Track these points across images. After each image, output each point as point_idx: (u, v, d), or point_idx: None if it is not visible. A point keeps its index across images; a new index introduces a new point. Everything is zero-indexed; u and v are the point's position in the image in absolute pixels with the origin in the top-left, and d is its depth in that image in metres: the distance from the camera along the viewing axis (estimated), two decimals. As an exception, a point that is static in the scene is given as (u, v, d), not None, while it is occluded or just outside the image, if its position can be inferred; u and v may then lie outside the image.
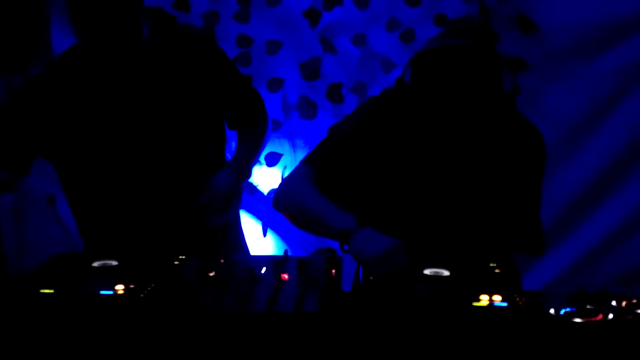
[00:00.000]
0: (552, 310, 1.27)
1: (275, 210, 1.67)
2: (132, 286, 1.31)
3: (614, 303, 1.30)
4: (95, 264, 1.46)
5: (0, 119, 1.82)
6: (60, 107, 1.77)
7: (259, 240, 2.71)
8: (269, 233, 2.74)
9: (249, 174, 1.94)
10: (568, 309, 1.27)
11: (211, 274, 1.42)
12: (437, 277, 1.41)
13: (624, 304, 1.31)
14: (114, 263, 1.47)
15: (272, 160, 2.69)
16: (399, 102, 1.61)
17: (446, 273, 1.42)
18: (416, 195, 1.64)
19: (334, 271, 1.43)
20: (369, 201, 1.65)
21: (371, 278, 1.39)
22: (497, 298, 1.28)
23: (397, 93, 1.60)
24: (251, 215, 2.72)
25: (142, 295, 1.29)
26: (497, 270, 1.45)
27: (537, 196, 1.68)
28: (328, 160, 1.63)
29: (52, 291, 1.29)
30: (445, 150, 1.61)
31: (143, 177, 1.78)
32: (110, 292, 1.29)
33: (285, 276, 1.41)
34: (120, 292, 1.30)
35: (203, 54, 1.83)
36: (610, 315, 1.25)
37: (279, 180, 1.96)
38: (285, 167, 2.68)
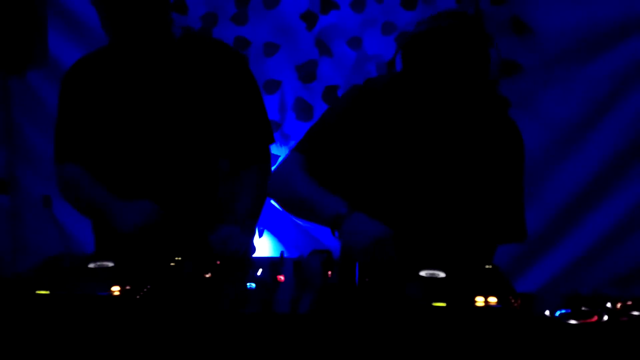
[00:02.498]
0: (547, 312, 1.27)
1: (270, 198, 1.68)
2: (128, 287, 1.31)
3: (608, 305, 1.31)
4: (91, 265, 1.46)
5: (59, 113, 1.87)
6: (87, 101, 1.81)
7: (255, 242, 2.71)
8: (265, 234, 2.74)
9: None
10: (563, 311, 1.27)
11: (207, 276, 1.42)
12: (433, 279, 1.41)
13: (618, 305, 1.31)
14: (110, 264, 1.47)
15: (268, 162, 2.70)
16: (387, 88, 1.63)
17: (442, 275, 1.43)
18: (402, 182, 1.64)
19: (330, 273, 1.43)
20: (356, 188, 1.65)
21: (367, 280, 1.39)
22: (492, 300, 1.29)
23: (388, 77, 1.61)
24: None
25: (138, 297, 1.29)
26: (492, 273, 1.45)
27: (519, 183, 1.68)
28: (317, 147, 1.64)
29: (47, 292, 1.29)
30: (431, 137, 1.62)
31: (155, 178, 1.80)
32: (106, 294, 1.29)
33: (282, 277, 1.42)
34: (116, 293, 1.29)
35: (232, 69, 1.83)
36: (605, 317, 1.26)
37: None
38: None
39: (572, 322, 1.24)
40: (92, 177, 1.81)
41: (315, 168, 1.62)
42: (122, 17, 1.69)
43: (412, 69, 1.52)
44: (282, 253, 1.55)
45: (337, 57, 2.70)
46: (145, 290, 1.31)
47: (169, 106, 1.80)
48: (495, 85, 1.58)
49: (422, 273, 1.43)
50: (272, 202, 1.88)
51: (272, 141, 1.93)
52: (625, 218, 2.63)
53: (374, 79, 1.75)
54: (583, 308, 1.28)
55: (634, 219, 2.63)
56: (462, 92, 1.52)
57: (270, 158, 1.95)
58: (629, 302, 1.31)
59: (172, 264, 1.47)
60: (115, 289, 1.30)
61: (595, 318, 1.25)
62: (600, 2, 2.49)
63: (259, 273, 1.44)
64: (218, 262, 1.51)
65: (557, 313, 1.27)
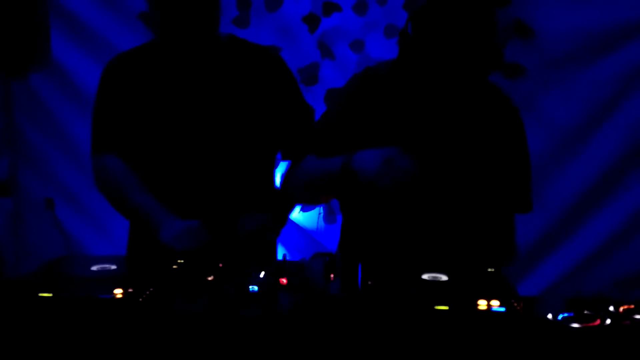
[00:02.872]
0: (549, 316, 1.27)
1: (291, 202, 1.75)
2: (130, 290, 1.31)
3: (611, 308, 1.31)
4: (94, 268, 1.46)
5: (99, 104, 1.83)
6: (128, 94, 1.79)
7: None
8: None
9: (285, 221, 1.87)
10: (565, 314, 1.27)
11: (209, 278, 1.42)
12: (435, 282, 1.41)
13: (621, 309, 1.31)
14: (113, 267, 1.47)
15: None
16: (389, 73, 1.65)
17: (444, 278, 1.43)
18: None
19: (332, 275, 1.43)
20: None
21: (369, 283, 1.39)
22: (495, 303, 1.28)
23: (389, 63, 1.64)
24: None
25: (140, 300, 1.29)
26: (494, 275, 1.45)
27: (524, 155, 1.71)
28: (324, 145, 1.66)
29: (50, 295, 1.29)
30: (434, 118, 1.64)
31: (195, 176, 1.78)
32: (109, 296, 1.29)
33: (284, 280, 1.42)
34: (119, 296, 1.30)
35: (274, 70, 1.82)
36: (608, 321, 1.26)
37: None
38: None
39: (575, 325, 1.24)
40: (136, 175, 1.75)
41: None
42: (179, 13, 1.66)
43: (425, 34, 1.52)
44: (284, 256, 1.55)
45: (339, 60, 2.70)
46: (147, 293, 1.31)
47: (212, 105, 1.78)
48: (502, 51, 1.58)
49: (425, 276, 1.43)
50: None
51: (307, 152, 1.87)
52: (627, 221, 2.63)
53: (374, 66, 1.75)
54: (585, 311, 1.28)
55: (636, 221, 2.63)
56: (475, 56, 1.52)
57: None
58: (632, 306, 1.31)
59: (174, 266, 1.47)
60: (118, 292, 1.30)
61: (598, 321, 1.25)
62: (602, 6, 2.50)
63: (261, 276, 1.45)
64: (220, 265, 1.51)
65: (560, 316, 1.27)
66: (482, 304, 1.27)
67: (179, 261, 1.50)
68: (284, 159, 1.87)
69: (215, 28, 1.78)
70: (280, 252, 2.67)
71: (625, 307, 1.31)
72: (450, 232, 1.68)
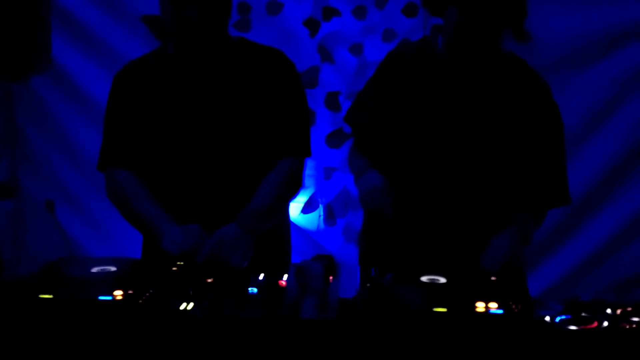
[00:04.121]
0: (547, 318, 1.28)
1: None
2: (130, 292, 1.32)
3: (609, 311, 1.31)
4: (94, 270, 1.47)
5: (110, 114, 1.82)
6: (139, 104, 1.78)
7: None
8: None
9: (258, 230, 1.72)
10: (563, 317, 1.28)
11: (209, 280, 1.43)
12: (433, 285, 1.42)
13: (618, 311, 1.31)
14: (113, 269, 1.47)
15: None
16: (418, 53, 1.76)
17: (443, 280, 1.43)
18: (439, 148, 1.72)
19: (331, 278, 1.44)
20: (398, 155, 1.77)
21: (368, 285, 1.40)
22: (493, 305, 1.29)
23: (420, 43, 1.78)
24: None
25: (140, 301, 1.29)
26: (492, 278, 1.45)
27: (559, 147, 1.75)
28: (361, 125, 1.84)
29: (51, 296, 1.30)
30: (465, 101, 1.70)
31: (206, 183, 1.77)
32: (109, 298, 1.30)
33: (283, 282, 1.42)
34: (119, 297, 1.30)
35: (282, 75, 1.81)
36: (605, 323, 1.26)
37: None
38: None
39: (572, 328, 1.25)
40: (144, 188, 1.76)
41: (365, 144, 1.85)
42: (195, 13, 1.65)
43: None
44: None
45: (338, 64, 2.71)
46: (147, 294, 1.32)
47: (223, 111, 1.77)
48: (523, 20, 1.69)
49: (423, 278, 1.44)
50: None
51: (309, 154, 1.84)
52: (625, 224, 2.64)
53: (406, 44, 1.85)
54: (583, 314, 1.28)
55: (634, 224, 2.63)
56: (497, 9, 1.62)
57: (302, 163, 1.85)
58: (629, 308, 1.32)
59: (174, 268, 1.48)
60: (118, 294, 1.31)
61: (595, 324, 1.26)
62: (598, 10, 2.50)
63: (260, 278, 1.45)
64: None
65: (557, 319, 1.27)
66: (480, 307, 1.28)
67: (178, 263, 1.50)
68: (281, 156, 1.81)
69: (226, 28, 1.78)
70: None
71: (623, 309, 1.32)
72: (473, 229, 1.70)
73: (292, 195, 1.86)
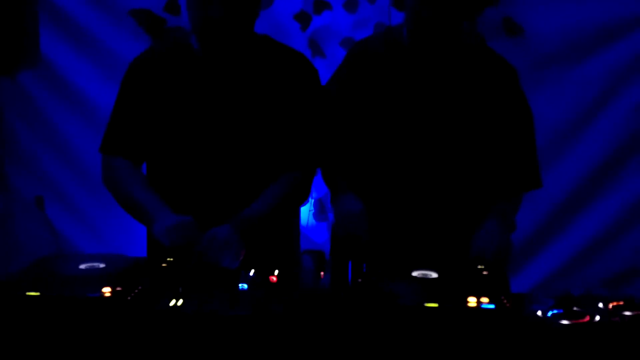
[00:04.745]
0: (539, 313, 1.28)
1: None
2: (119, 289, 1.30)
3: (600, 305, 1.31)
4: (82, 267, 1.45)
5: (119, 102, 1.79)
6: (150, 96, 1.75)
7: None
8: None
9: (252, 235, 1.67)
10: (555, 311, 1.28)
11: (199, 277, 1.42)
12: (425, 279, 1.41)
13: (610, 306, 1.31)
14: (102, 265, 1.46)
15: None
16: (381, 46, 1.76)
17: (434, 275, 1.43)
18: (409, 140, 1.73)
19: (322, 273, 1.43)
20: (366, 152, 1.76)
21: (359, 280, 1.39)
22: (484, 300, 1.29)
23: (380, 35, 1.79)
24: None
25: (129, 298, 1.28)
26: (484, 273, 1.45)
27: (529, 132, 1.76)
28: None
29: (38, 294, 1.28)
30: (433, 92, 1.71)
31: (212, 181, 1.75)
32: (97, 295, 1.28)
33: (274, 278, 1.41)
34: (107, 294, 1.29)
35: (304, 80, 1.78)
36: (597, 317, 1.26)
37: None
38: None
39: (564, 322, 1.25)
40: (141, 175, 1.75)
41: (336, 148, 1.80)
42: (220, 16, 1.64)
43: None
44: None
45: (329, 58, 2.69)
46: (136, 291, 1.31)
47: (238, 112, 1.74)
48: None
49: (415, 273, 1.43)
50: None
51: (317, 164, 1.83)
52: (616, 218, 2.64)
53: (365, 40, 1.84)
54: (575, 308, 1.28)
55: (625, 219, 2.64)
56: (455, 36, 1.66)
57: (311, 173, 1.82)
58: (621, 302, 1.32)
59: (163, 264, 1.47)
60: (106, 290, 1.29)
61: (587, 318, 1.26)
62: (590, 4, 2.50)
63: (251, 273, 1.44)
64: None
65: (549, 313, 1.27)
66: (471, 301, 1.28)
67: (168, 259, 1.49)
68: (290, 169, 1.77)
69: (252, 27, 1.75)
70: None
71: (615, 303, 1.32)
72: (451, 221, 1.71)
73: (295, 206, 1.84)
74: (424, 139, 1.73)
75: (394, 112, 1.74)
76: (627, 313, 1.28)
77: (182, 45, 1.79)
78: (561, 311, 1.27)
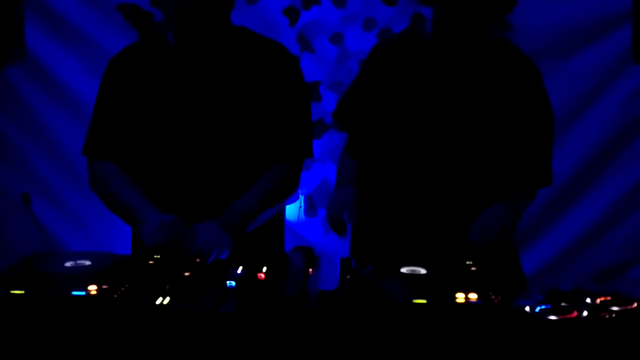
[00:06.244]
0: (527, 308, 1.28)
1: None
2: (105, 287, 1.29)
3: (588, 300, 1.31)
4: (68, 264, 1.44)
5: (100, 102, 1.78)
6: (130, 94, 1.74)
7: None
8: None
9: (239, 229, 1.67)
10: (543, 307, 1.28)
11: (187, 274, 1.41)
12: (413, 276, 1.41)
13: (598, 301, 1.32)
14: (87, 263, 1.45)
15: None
16: (402, 43, 1.79)
17: (423, 271, 1.43)
18: (426, 132, 1.74)
19: (311, 270, 1.43)
20: (391, 146, 1.78)
21: (348, 277, 1.39)
22: (472, 296, 1.29)
23: (403, 34, 1.84)
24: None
25: (115, 296, 1.27)
26: (473, 268, 1.45)
27: (547, 131, 1.77)
28: (351, 121, 1.87)
29: (22, 292, 1.27)
30: (451, 85, 1.72)
31: (195, 176, 1.73)
32: (83, 293, 1.27)
33: (262, 275, 1.41)
34: (93, 292, 1.28)
35: (284, 70, 1.75)
36: (585, 313, 1.26)
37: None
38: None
39: (552, 317, 1.25)
40: (128, 177, 1.73)
41: (355, 143, 1.87)
42: (192, 8, 1.62)
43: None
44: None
45: (318, 53, 2.69)
46: (122, 289, 1.30)
47: (219, 106, 1.72)
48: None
49: (403, 270, 1.43)
50: None
51: (309, 155, 1.81)
52: (606, 213, 2.65)
53: (388, 38, 1.90)
54: (563, 304, 1.29)
55: (614, 214, 2.65)
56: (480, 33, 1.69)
57: (299, 165, 1.80)
58: (609, 298, 1.32)
59: (150, 262, 1.46)
60: (92, 289, 1.28)
61: (575, 314, 1.26)
62: (578, 1, 2.51)
63: (239, 271, 1.43)
64: (198, 260, 1.50)
65: (537, 309, 1.27)
66: (460, 297, 1.27)
67: (155, 257, 1.48)
68: (277, 162, 1.76)
69: (228, 17, 1.73)
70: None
71: (602, 299, 1.32)
72: (465, 216, 1.70)
73: (283, 199, 1.83)
74: (443, 135, 1.72)
75: (414, 108, 1.74)
76: (615, 308, 1.28)
77: (159, 40, 1.78)
78: (549, 306, 1.27)
